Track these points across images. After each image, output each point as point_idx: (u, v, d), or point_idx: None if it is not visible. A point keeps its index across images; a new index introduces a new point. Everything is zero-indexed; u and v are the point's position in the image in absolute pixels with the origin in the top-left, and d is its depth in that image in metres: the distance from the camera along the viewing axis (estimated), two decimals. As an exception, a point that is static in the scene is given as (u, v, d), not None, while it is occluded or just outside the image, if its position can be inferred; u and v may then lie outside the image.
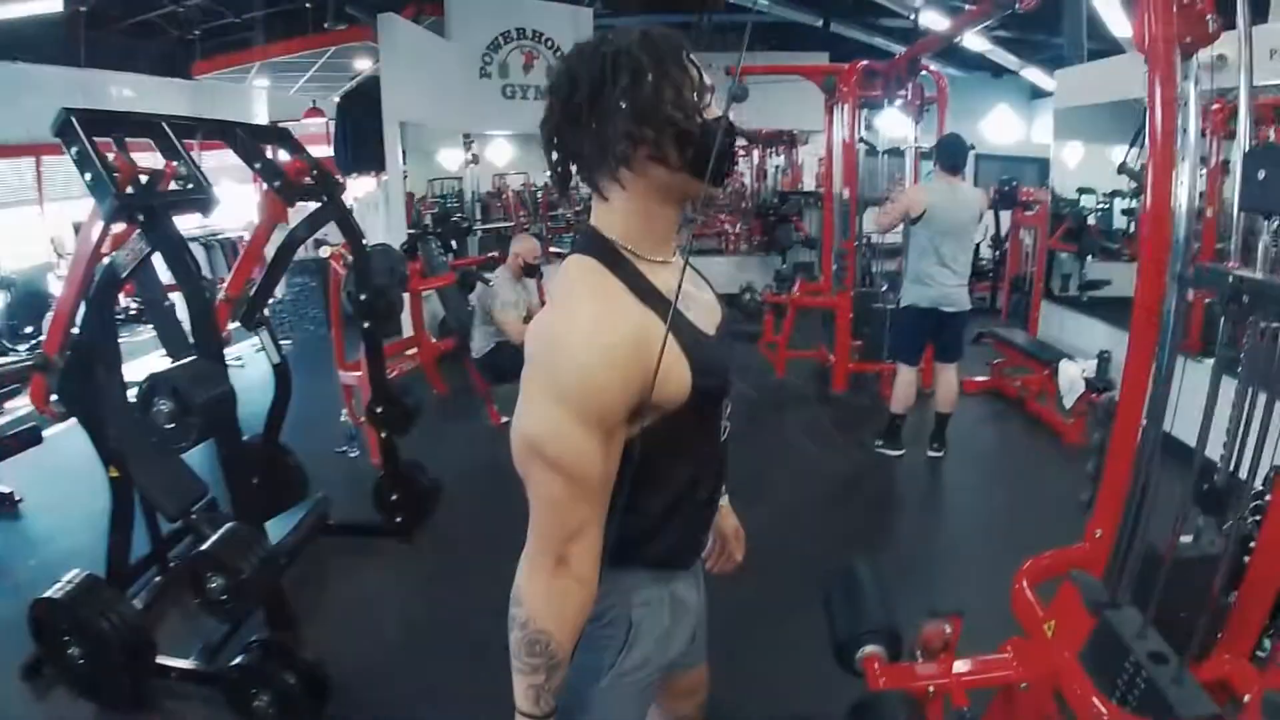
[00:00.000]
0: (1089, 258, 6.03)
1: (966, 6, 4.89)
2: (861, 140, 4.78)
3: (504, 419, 4.20)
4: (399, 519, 3.09)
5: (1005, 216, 6.79)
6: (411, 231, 6.10)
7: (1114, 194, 6.37)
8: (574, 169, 0.95)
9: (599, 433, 0.85)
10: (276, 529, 2.56)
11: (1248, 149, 1.24)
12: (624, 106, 0.87)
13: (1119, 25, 4.99)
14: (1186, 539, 1.36)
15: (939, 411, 3.91)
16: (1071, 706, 1.23)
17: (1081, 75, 5.67)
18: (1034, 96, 9.64)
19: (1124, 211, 6.35)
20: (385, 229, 5.71)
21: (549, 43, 7.25)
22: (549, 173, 0.98)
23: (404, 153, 5.97)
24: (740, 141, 6.57)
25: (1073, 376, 4.14)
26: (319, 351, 5.58)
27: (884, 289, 5.00)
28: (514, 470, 0.90)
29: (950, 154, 3.69)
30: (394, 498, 3.09)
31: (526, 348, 0.90)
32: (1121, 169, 4.39)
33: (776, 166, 9.24)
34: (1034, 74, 8.50)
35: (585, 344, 0.84)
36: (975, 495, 3.77)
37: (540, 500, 0.88)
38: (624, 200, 0.94)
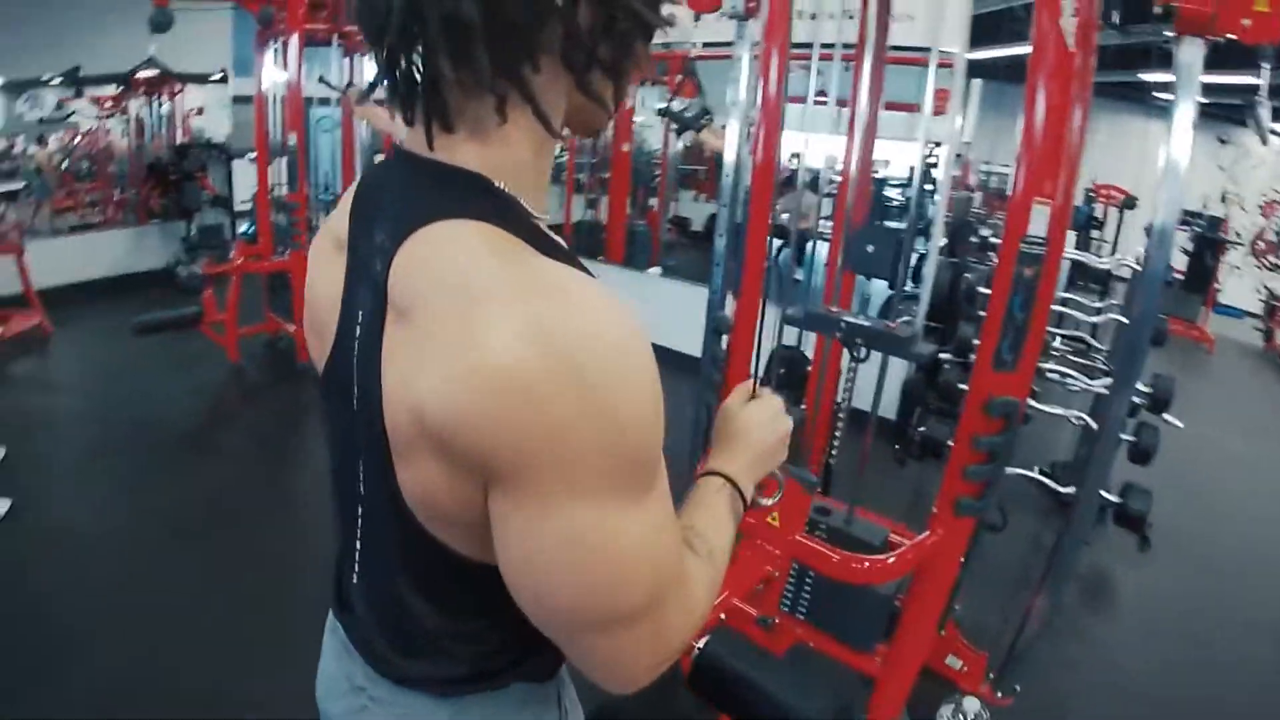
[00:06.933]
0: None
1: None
2: (325, 81, 4.19)
3: None
4: None
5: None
6: None
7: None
8: (479, 64, 0.49)
9: None
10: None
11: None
12: None
13: None
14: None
15: None
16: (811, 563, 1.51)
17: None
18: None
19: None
20: None
21: None
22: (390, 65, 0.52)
23: None
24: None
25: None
26: None
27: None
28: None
29: None
30: None
31: (510, 400, 0.45)
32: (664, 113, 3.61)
33: (162, 116, 7.57)
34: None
35: (627, 355, 0.48)
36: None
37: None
38: (524, 130, 0.55)
